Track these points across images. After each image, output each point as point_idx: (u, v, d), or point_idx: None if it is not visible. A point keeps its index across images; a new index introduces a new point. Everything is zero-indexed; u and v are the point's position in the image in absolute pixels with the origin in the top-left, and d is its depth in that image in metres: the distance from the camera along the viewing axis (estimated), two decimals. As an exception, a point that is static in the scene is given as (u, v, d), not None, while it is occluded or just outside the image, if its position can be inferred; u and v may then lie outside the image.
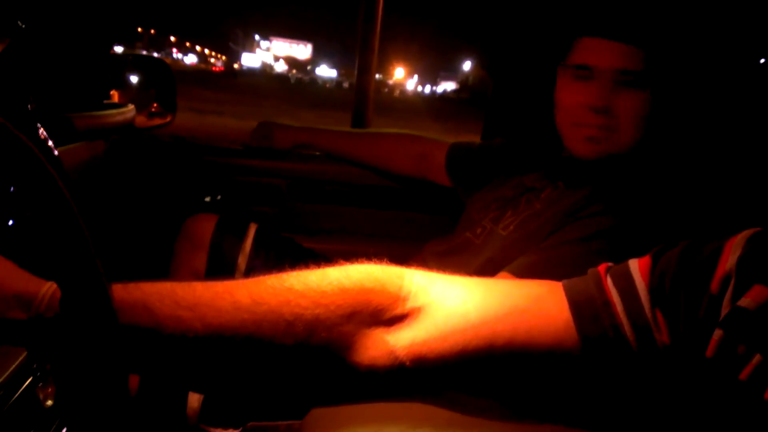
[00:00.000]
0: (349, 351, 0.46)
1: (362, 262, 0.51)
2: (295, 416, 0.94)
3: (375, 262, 0.51)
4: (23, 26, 1.07)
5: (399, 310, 0.47)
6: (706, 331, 0.41)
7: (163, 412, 0.91)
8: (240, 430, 0.93)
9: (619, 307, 0.46)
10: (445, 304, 0.48)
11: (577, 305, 0.48)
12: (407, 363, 0.46)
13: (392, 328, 0.47)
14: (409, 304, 0.48)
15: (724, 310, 0.41)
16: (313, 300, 0.46)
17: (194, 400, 0.90)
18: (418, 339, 0.46)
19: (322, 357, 0.46)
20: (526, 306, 0.49)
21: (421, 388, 0.49)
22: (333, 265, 0.50)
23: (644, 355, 0.45)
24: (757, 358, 0.37)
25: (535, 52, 1.49)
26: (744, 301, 0.39)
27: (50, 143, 0.39)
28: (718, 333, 0.40)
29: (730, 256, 0.42)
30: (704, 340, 0.41)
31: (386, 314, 0.47)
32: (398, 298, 0.48)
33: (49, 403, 0.76)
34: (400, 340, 0.47)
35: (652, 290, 0.45)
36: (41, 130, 0.38)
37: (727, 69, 1.28)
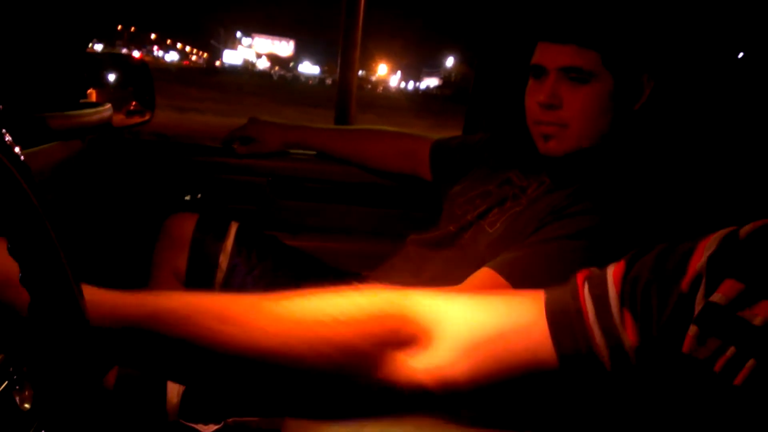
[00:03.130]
0: (376, 374, 0.48)
1: (373, 287, 0.53)
2: (275, 413, 0.94)
3: (382, 287, 0.53)
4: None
5: (415, 334, 0.50)
6: (680, 329, 0.42)
7: (143, 407, 0.91)
8: (221, 425, 0.93)
9: (590, 314, 0.47)
10: (451, 327, 0.50)
11: (553, 315, 0.49)
12: (429, 386, 0.49)
13: (411, 351, 0.49)
14: (421, 327, 0.50)
15: (698, 308, 0.41)
16: (348, 327, 0.48)
17: (173, 395, 0.90)
18: (434, 363, 0.49)
19: (352, 379, 0.49)
20: (512, 324, 0.50)
21: (437, 407, 0.53)
22: (344, 283, 0.52)
23: (615, 359, 0.45)
24: (731, 350, 0.38)
25: (510, 54, 1.52)
26: (716, 297, 0.40)
27: (16, 148, 0.38)
28: (692, 329, 0.41)
29: (702, 256, 0.43)
30: (679, 338, 0.42)
31: (406, 339, 0.50)
32: (413, 322, 0.50)
33: (27, 406, 0.75)
34: (421, 364, 0.49)
35: (622, 294, 0.46)
36: (6, 135, 0.37)
37: (696, 64, 1.30)
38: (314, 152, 1.55)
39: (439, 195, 1.31)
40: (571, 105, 1.00)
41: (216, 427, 0.92)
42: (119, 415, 0.90)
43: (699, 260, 0.43)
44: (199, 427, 0.92)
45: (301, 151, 1.57)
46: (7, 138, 0.44)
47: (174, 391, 0.90)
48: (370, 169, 1.51)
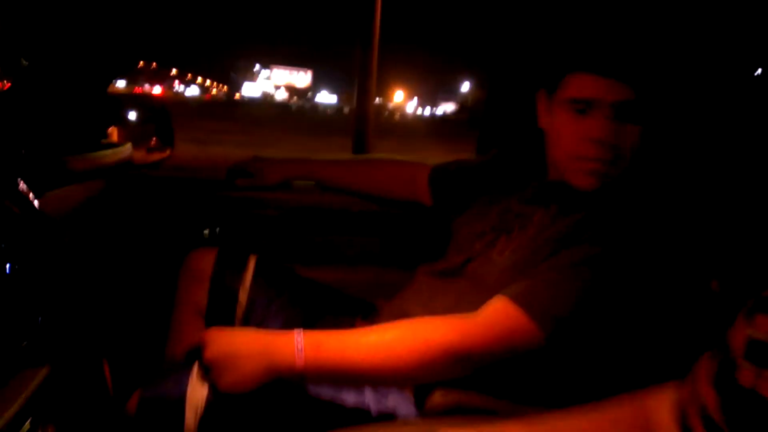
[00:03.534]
0: None
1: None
2: None
3: None
4: (26, 64, 1.09)
5: None
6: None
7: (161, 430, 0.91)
8: None
9: None
10: None
11: None
12: None
13: None
14: None
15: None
16: None
17: (191, 420, 0.90)
18: None
19: None
20: None
21: None
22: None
23: None
24: None
25: (524, 80, 1.52)
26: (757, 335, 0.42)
27: (31, 196, 0.40)
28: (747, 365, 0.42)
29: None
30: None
31: None
32: None
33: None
34: None
35: None
36: (21, 184, 0.39)
37: (717, 88, 1.29)
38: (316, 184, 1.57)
39: (444, 222, 1.31)
40: (624, 141, 0.97)
41: None
42: None
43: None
44: None
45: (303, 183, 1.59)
46: (22, 186, 0.46)
47: (192, 415, 0.90)
48: (371, 198, 1.52)
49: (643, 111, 0.96)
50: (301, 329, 0.89)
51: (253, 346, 0.88)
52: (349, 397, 0.99)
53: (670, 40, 1.04)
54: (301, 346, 0.86)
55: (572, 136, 1.00)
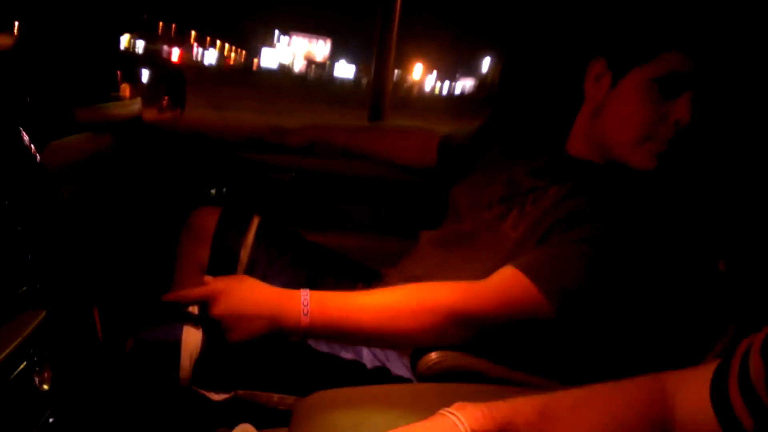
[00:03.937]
0: None
1: None
2: (286, 390, 0.96)
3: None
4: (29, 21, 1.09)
5: None
6: None
7: (156, 372, 0.93)
8: (231, 395, 0.95)
9: None
10: None
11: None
12: None
13: None
14: None
15: None
16: None
17: (187, 363, 0.92)
18: None
19: None
20: None
21: None
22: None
23: None
24: None
25: (566, 53, 1.47)
26: None
27: (33, 148, 0.40)
28: None
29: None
30: None
31: None
32: None
33: (45, 387, 0.78)
34: None
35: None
36: (24, 135, 0.39)
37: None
38: (336, 149, 1.57)
39: (444, 189, 1.31)
40: (685, 124, 0.96)
41: (226, 396, 0.95)
42: (133, 380, 0.93)
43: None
44: (209, 395, 0.94)
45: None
46: (25, 137, 0.46)
47: (187, 359, 0.92)
48: (386, 162, 1.53)
49: (714, 99, 0.94)
50: (308, 289, 0.90)
51: (264, 304, 0.89)
52: (346, 353, 1.01)
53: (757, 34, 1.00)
54: (307, 303, 0.87)
55: (651, 116, 0.97)
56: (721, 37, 0.94)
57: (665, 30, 0.96)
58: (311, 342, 0.99)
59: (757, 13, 1.05)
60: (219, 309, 0.88)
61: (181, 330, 0.93)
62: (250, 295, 0.91)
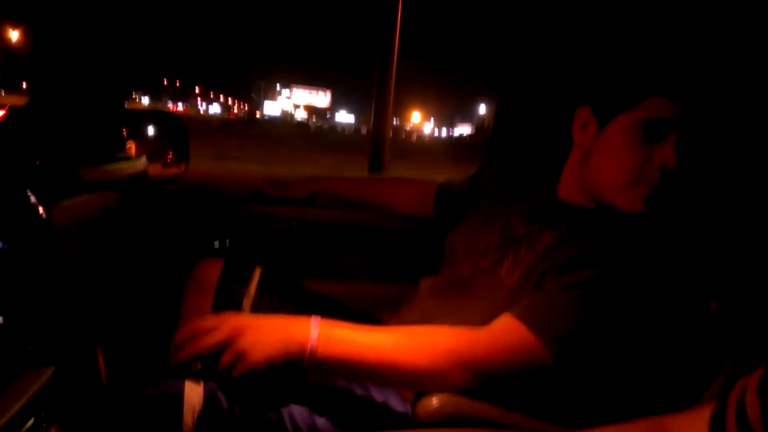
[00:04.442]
0: None
1: None
2: None
3: None
4: (45, 81, 1.14)
5: None
6: None
7: (158, 430, 0.93)
8: None
9: None
10: None
11: None
12: None
13: None
14: None
15: None
16: None
17: (188, 419, 0.92)
18: None
19: None
20: None
21: None
22: None
23: None
24: None
25: (557, 97, 1.51)
26: None
27: (41, 209, 0.42)
28: None
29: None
30: None
31: None
32: None
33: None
34: None
35: None
36: (31, 196, 0.41)
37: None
38: (338, 199, 1.61)
39: (441, 235, 1.33)
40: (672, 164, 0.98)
41: None
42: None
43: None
44: None
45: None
46: (32, 198, 0.49)
47: (189, 414, 0.92)
48: (386, 212, 1.56)
49: (698, 142, 0.97)
50: (318, 317, 0.92)
51: (277, 323, 0.91)
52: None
53: (738, 77, 1.05)
54: (317, 324, 0.90)
55: (637, 160, 0.99)
56: (704, 81, 0.97)
57: (648, 76, 0.99)
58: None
59: (739, 57, 1.10)
60: (246, 340, 0.86)
61: (183, 385, 0.94)
62: (264, 318, 0.92)
